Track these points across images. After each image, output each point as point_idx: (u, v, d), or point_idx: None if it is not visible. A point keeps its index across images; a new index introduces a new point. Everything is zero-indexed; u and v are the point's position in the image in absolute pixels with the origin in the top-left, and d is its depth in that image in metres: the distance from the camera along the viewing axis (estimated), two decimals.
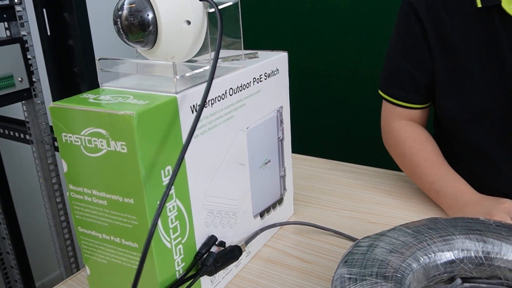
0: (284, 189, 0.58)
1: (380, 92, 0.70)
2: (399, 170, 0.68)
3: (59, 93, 0.84)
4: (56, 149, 0.88)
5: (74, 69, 0.78)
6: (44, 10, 0.78)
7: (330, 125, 1.28)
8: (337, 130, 1.27)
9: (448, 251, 0.43)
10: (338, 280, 0.40)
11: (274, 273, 0.50)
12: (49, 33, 0.79)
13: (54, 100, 0.89)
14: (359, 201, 0.63)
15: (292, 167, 0.59)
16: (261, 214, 0.53)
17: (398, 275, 0.40)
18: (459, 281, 0.43)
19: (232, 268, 0.49)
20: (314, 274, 0.49)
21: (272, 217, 0.56)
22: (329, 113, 1.27)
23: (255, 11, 1.29)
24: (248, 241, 0.50)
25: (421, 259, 0.42)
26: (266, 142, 0.52)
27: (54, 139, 0.88)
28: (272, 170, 0.54)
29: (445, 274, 0.43)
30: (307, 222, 0.57)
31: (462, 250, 0.43)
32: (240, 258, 0.49)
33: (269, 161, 0.53)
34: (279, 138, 0.55)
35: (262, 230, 0.53)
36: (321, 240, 0.55)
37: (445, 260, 0.43)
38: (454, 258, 0.43)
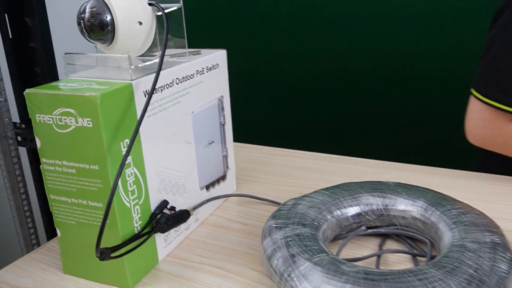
0: (227, 167, 0.67)
1: (483, 98, 0.68)
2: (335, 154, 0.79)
3: (20, 91, 0.91)
4: (19, 143, 0.95)
5: (35, 69, 0.85)
6: (6, 15, 0.85)
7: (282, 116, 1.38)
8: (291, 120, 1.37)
9: (356, 206, 0.54)
10: (267, 229, 0.50)
11: (219, 235, 0.59)
12: (11, 36, 0.86)
13: (16, 98, 0.95)
14: (295, 179, 0.73)
15: (233, 149, 0.68)
16: (207, 187, 0.63)
17: (315, 223, 0.50)
18: (363, 228, 0.53)
19: (183, 231, 0.58)
20: (252, 233, 0.59)
21: (217, 190, 0.65)
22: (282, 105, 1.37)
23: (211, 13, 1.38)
24: (195, 207, 0.59)
25: (334, 213, 0.53)
26: (209, 125, 0.62)
27: (17, 134, 0.94)
28: (215, 150, 0.64)
29: (354, 224, 0.54)
30: (247, 194, 0.67)
31: (367, 204, 0.54)
32: (189, 221, 0.58)
33: (212, 142, 0.63)
34: (221, 122, 0.65)
35: (208, 200, 0.62)
36: (259, 208, 0.65)
37: (354, 213, 0.54)
38: (360, 211, 0.54)
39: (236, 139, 0.73)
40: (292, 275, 0.43)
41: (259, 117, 1.33)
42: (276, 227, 0.50)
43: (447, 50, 1.12)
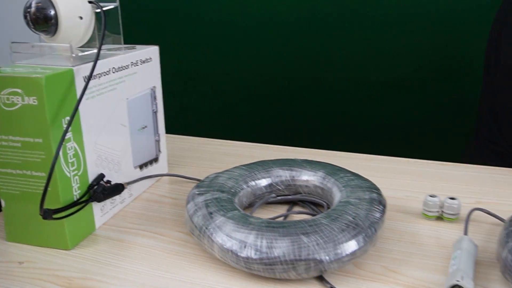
0: (159, 151, 0.76)
1: None
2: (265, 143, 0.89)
3: None
4: None
5: None
6: None
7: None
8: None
9: (268, 177, 0.64)
10: (190, 196, 0.59)
11: (151, 207, 0.67)
12: None
13: None
14: (222, 163, 0.82)
15: (172, 140, 0.76)
16: (141, 167, 0.71)
17: (232, 190, 0.59)
18: (273, 195, 0.63)
19: (118, 204, 0.66)
20: (180, 205, 0.67)
21: (150, 170, 0.73)
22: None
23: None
24: (129, 183, 0.67)
25: (249, 183, 0.62)
26: (143, 111, 0.70)
27: None
28: (148, 134, 0.72)
29: (266, 193, 0.64)
30: (178, 174, 0.76)
31: (277, 176, 0.64)
32: (123, 195, 0.66)
33: (145, 127, 0.71)
34: (153, 110, 0.73)
35: (141, 178, 0.70)
36: (188, 186, 0.73)
37: (266, 183, 0.63)
38: (271, 182, 0.64)
39: (177, 131, 0.81)
40: (209, 227, 0.52)
41: (198, 111, 1.41)
42: (198, 193, 0.58)
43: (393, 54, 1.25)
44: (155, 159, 0.75)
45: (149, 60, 0.71)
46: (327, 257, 0.48)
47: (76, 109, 0.53)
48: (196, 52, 1.33)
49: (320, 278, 0.50)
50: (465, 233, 0.56)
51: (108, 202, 0.63)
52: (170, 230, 0.61)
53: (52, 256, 0.55)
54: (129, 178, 0.68)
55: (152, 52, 0.71)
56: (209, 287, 0.49)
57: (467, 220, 0.58)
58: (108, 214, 0.64)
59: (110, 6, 0.62)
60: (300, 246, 0.48)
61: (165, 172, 0.78)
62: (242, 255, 0.49)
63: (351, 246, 0.49)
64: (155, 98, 0.73)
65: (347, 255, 0.48)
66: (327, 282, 0.49)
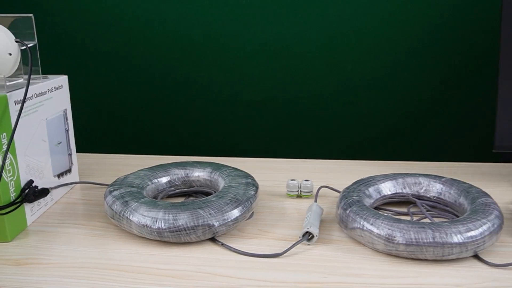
0: (72, 163, 0.89)
1: None
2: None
3: None
4: None
5: None
6: None
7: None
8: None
9: (167, 176, 0.81)
10: (107, 191, 0.74)
11: (71, 207, 0.81)
12: None
13: None
14: (125, 172, 0.97)
15: (76, 150, 0.90)
16: (59, 176, 0.84)
17: (140, 186, 0.76)
18: (172, 189, 0.81)
19: (42, 206, 0.79)
20: (95, 205, 0.82)
21: (66, 179, 0.87)
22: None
23: None
24: (53, 187, 0.80)
25: (153, 181, 0.79)
26: (58, 130, 0.84)
27: None
28: (63, 149, 0.86)
29: (167, 188, 0.81)
30: (89, 181, 0.90)
31: (174, 174, 0.82)
32: (47, 199, 0.79)
33: (60, 142, 0.85)
34: (65, 129, 0.87)
35: (62, 185, 0.84)
36: (98, 191, 0.88)
37: (166, 180, 0.81)
38: (170, 179, 0.81)
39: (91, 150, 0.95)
40: (127, 211, 0.68)
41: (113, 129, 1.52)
42: (113, 189, 0.74)
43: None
44: (69, 170, 0.88)
45: (61, 87, 0.85)
46: (217, 223, 0.66)
47: (16, 126, 0.67)
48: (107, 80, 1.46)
49: (213, 239, 0.68)
50: (315, 201, 0.78)
51: (36, 203, 0.76)
52: (90, 221, 0.76)
53: None
54: (51, 184, 0.81)
55: (63, 80, 0.86)
56: (132, 254, 0.65)
57: (317, 193, 0.81)
58: (36, 213, 0.77)
59: (31, 44, 0.76)
60: (197, 216, 0.66)
61: (77, 180, 0.92)
62: (155, 227, 0.66)
63: (234, 214, 0.68)
64: (66, 118, 0.87)
65: (231, 220, 0.68)
66: (218, 241, 0.68)
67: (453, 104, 1.19)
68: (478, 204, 0.67)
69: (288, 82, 1.25)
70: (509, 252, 0.64)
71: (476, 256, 0.63)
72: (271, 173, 0.96)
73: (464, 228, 0.61)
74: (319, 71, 1.23)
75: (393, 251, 0.62)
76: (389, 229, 0.62)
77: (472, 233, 0.61)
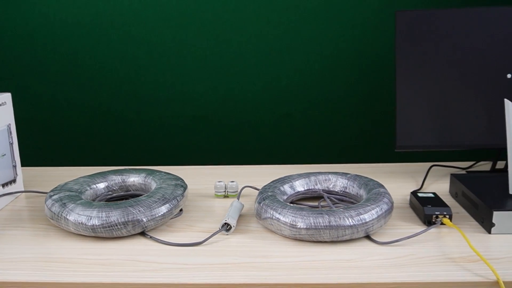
0: (16, 174, 0.96)
1: None
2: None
3: None
4: None
5: None
6: None
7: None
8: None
9: (105, 181, 0.89)
10: (48, 196, 0.82)
11: (15, 214, 0.87)
12: None
13: None
14: None
15: (21, 161, 0.97)
16: (3, 185, 0.91)
17: (79, 191, 0.84)
18: (110, 193, 0.89)
19: None
20: (37, 211, 0.89)
21: (11, 188, 0.93)
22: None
23: None
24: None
25: (91, 186, 0.87)
26: (2, 143, 0.91)
27: None
28: (7, 160, 0.93)
29: (104, 192, 0.89)
30: (32, 190, 0.97)
31: (112, 180, 0.90)
32: None
33: (5, 155, 0.92)
34: (10, 142, 0.94)
35: (5, 194, 0.90)
36: (40, 199, 0.95)
37: (104, 186, 0.89)
38: (108, 184, 0.89)
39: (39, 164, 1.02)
40: (65, 211, 0.76)
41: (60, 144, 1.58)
42: (53, 194, 0.82)
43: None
44: (14, 180, 0.95)
45: (4, 104, 0.92)
46: (145, 218, 0.75)
47: None
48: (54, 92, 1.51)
49: (143, 233, 0.77)
50: (238, 198, 0.88)
51: None
52: (33, 224, 0.83)
53: None
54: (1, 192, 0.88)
55: (6, 97, 0.93)
56: (69, 249, 0.73)
57: (240, 192, 0.91)
58: None
59: None
60: (127, 213, 0.74)
61: (22, 189, 0.98)
62: (89, 224, 0.74)
63: (162, 210, 0.77)
64: (10, 132, 0.94)
65: (159, 216, 0.76)
66: (147, 234, 0.76)
67: (370, 113, 1.32)
68: (372, 193, 0.78)
69: (228, 97, 1.35)
70: (396, 233, 0.75)
71: (368, 237, 0.74)
72: (203, 177, 1.06)
73: (355, 212, 0.72)
74: (256, 87, 1.34)
75: (297, 236, 0.72)
76: (293, 216, 0.72)
77: (362, 216, 0.71)
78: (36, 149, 1.38)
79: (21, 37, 1.33)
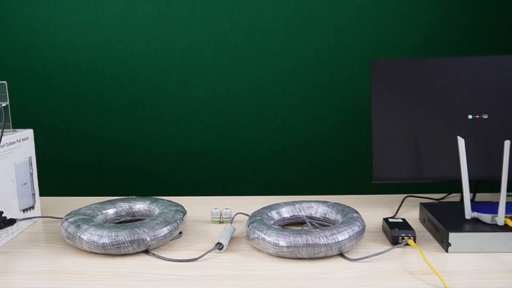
0: (35, 201, 1.08)
1: None
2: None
3: None
4: None
5: None
6: None
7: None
8: None
9: (114, 208, 1.01)
10: (64, 220, 0.93)
11: (33, 236, 0.99)
12: None
13: None
14: None
15: (40, 193, 1.09)
16: (24, 211, 1.03)
17: (91, 215, 0.96)
18: (118, 218, 1.01)
19: (10, 234, 0.97)
20: (54, 233, 1.01)
21: (30, 214, 1.05)
22: None
23: None
24: (19, 219, 0.99)
25: (102, 211, 0.99)
26: (24, 173, 1.03)
27: None
28: (28, 188, 1.05)
29: (113, 217, 1.01)
30: (49, 216, 1.09)
31: (120, 207, 1.02)
32: (14, 228, 0.97)
33: (26, 183, 1.04)
34: (30, 172, 1.07)
35: (26, 218, 1.02)
36: (56, 224, 1.07)
37: (112, 212, 1.01)
38: (116, 211, 1.01)
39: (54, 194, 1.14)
40: (79, 231, 0.87)
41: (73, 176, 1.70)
42: (68, 217, 0.94)
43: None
44: (33, 206, 1.07)
45: (27, 138, 1.05)
46: (149, 238, 0.87)
47: None
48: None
49: (147, 251, 0.88)
50: (231, 223, 0.99)
51: (4, 231, 0.95)
52: (49, 244, 0.94)
53: None
54: (17, 217, 1.00)
55: (28, 133, 1.06)
56: (82, 264, 0.84)
57: (232, 218, 1.02)
58: (4, 240, 0.95)
59: (4, 104, 0.97)
60: (134, 233, 0.86)
61: (39, 215, 1.10)
62: (100, 242, 0.85)
63: (163, 231, 0.89)
64: (31, 164, 1.07)
65: (161, 236, 0.88)
66: (150, 252, 0.88)
67: (355, 150, 1.44)
68: (347, 217, 0.90)
69: (226, 135, 1.48)
70: (367, 251, 0.86)
71: (341, 254, 0.85)
72: (201, 206, 1.17)
73: (330, 233, 0.83)
74: (253, 126, 1.47)
75: (280, 253, 0.83)
76: (276, 236, 0.84)
77: (335, 236, 0.83)
78: (49, 180, 1.51)
79: (39, 79, 1.48)
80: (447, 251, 0.85)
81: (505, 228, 0.85)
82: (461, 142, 0.86)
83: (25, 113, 1.51)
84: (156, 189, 1.52)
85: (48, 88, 1.48)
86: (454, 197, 1.20)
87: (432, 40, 1.40)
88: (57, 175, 1.51)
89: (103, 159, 1.51)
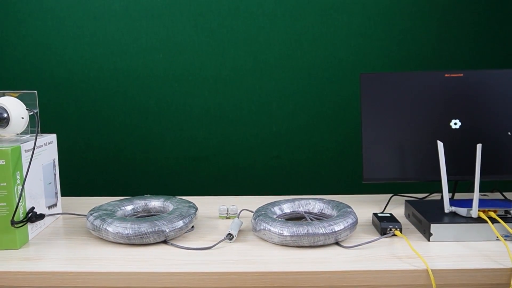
0: (57, 199, 1.19)
1: None
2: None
3: None
4: None
5: None
6: None
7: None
8: None
9: (131, 205, 1.12)
10: (89, 214, 1.04)
11: (58, 230, 1.10)
12: None
13: None
14: None
15: (60, 189, 1.20)
16: (49, 207, 1.14)
17: (113, 211, 1.07)
18: (136, 214, 1.12)
19: (38, 228, 1.07)
20: (76, 227, 1.11)
21: (53, 211, 1.16)
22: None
23: None
24: (47, 215, 1.09)
25: (121, 208, 1.10)
26: (49, 173, 1.14)
27: None
28: (52, 188, 1.16)
29: (131, 213, 1.12)
30: (70, 212, 1.19)
31: (137, 203, 1.13)
32: (43, 222, 1.08)
33: (51, 183, 1.15)
34: (54, 173, 1.17)
35: (51, 214, 1.13)
36: (77, 220, 1.17)
37: (130, 208, 1.12)
38: (133, 207, 1.12)
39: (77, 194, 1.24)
40: (105, 224, 0.98)
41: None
42: (93, 212, 1.05)
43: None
44: (55, 204, 1.18)
45: (51, 142, 1.16)
46: (167, 229, 0.98)
47: (28, 169, 0.98)
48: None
49: (165, 241, 1.00)
50: (237, 217, 1.11)
51: (34, 224, 1.05)
52: (74, 235, 1.05)
53: (10, 252, 0.96)
54: (45, 213, 1.10)
55: (52, 137, 1.17)
56: (110, 253, 0.95)
57: (239, 213, 1.14)
58: (34, 232, 1.05)
59: (35, 111, 1.08)
60: (154, 225, 0.97)
61: (60, 211, 1.21)
62: (125, 233, 0.96)
63: (179, 224, 1.00)
64: (55, 166, 1.18)
65: (178, 228, 0.99)
66: (169, 242, 0.99)
67: (346, 153, 1.57)
68: (341, 212, 1.02)
69: (226, 142, 1.60)
70: (359, 241, 0.99)
71: (337, 243, 0.97)
72: (208, 205, 1.29)
73: (327, 224, 0.95)
74: (250, 133, 1.59)
75: (284, 242, 0.95)
76: (280, 227, 0.96)
77: (332, 227, 0.95)
78: (60, 182, 1.61)
79: (49, 88, 1.58)
80: (429, 240, 0.98)
81: (478, 220, 0.98)
82: (440, 146, 0.99)
83: (49, 118, 1.61)
84: (159, 191, 1.63)
85: (57, 97, 1.59)
86: (435, 196, 1.33)
87: (415, 55, 1.54)
88: (65, 178, 1.62)
89: (110, 163, 1.62)
